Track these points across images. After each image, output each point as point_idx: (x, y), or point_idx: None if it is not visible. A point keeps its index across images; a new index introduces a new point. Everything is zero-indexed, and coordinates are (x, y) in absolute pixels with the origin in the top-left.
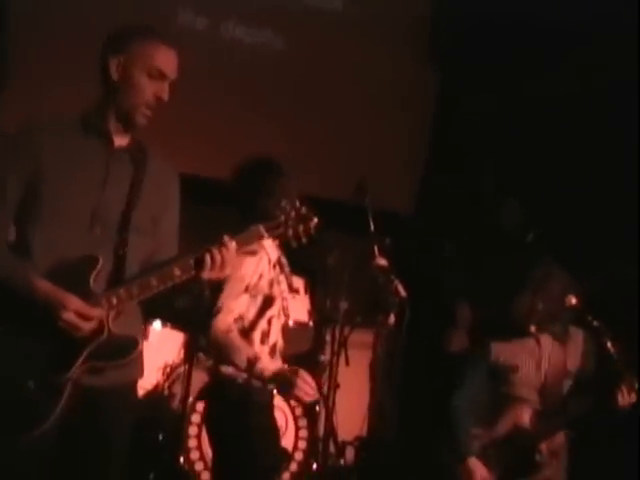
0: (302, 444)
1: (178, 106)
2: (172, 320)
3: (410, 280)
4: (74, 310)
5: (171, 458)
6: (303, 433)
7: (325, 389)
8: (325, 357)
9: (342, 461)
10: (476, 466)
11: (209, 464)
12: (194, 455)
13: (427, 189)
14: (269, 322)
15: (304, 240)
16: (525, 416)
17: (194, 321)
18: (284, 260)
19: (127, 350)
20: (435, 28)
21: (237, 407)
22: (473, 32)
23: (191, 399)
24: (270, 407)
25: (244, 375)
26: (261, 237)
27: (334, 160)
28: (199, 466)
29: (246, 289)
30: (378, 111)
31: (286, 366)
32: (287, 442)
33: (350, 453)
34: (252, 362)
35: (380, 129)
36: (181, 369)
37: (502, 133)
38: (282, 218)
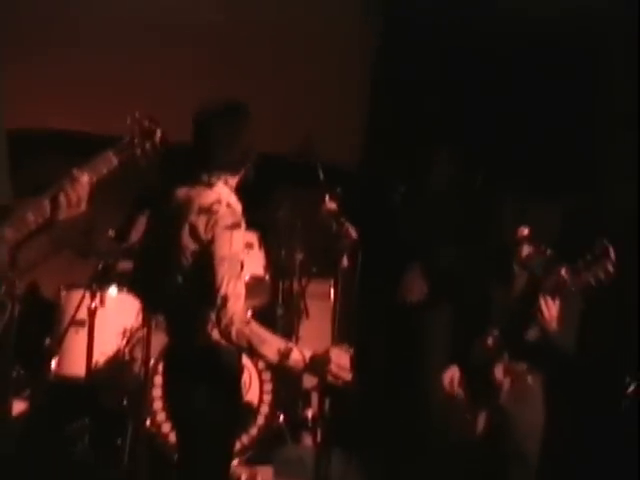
0: (267, 397)
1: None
2: (125, 284)
3: (362, 228)
4: None
5: (137, 422)
6: (267, 386)
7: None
8: (283, 310)
9: (308, 410)
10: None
11: None
12: (160, 417)
13: (373, 139)
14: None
15: (153, 157)
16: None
17: (143, 282)
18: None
19: None
20: None
21: (196, 369)
22: None
23: (152, 361)
24: (233, 366)
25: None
26: (110, 162)
27: (279, 116)
28: (166, 428)
29: (242, 266)
30: (320, 64)
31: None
32: (252, 396)
33: (315, 401)
34: (285, 354)
35: (323, 82)
36: (140, 333)
37: (446, 78)
38: (127, 137)
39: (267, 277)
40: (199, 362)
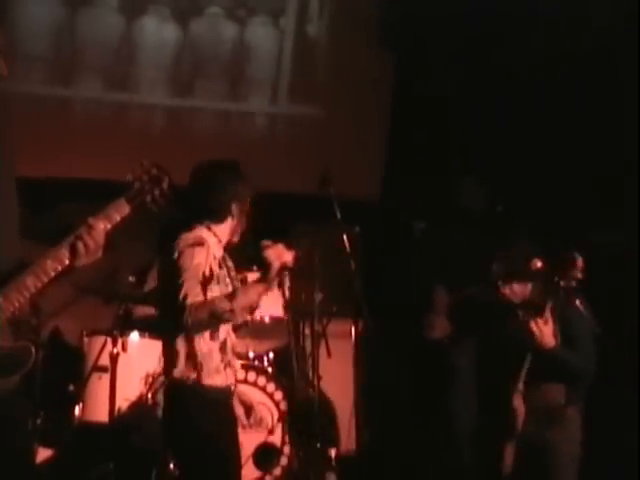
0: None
1: None
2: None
3: (383, 266)
4: None
5: (160, 465)
6: None
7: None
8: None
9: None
10: None
11: None
12: None
13: (392, 175)
14: None
15: (162, 203)
16: None
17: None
18: (230, 262)
19: (24, 360)
20: (387, 11)
21: (189, 408)
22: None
23: None
24: (226, 403)
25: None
26: (123, 209)
27: (295, 154)
28: None
29: (203, 277)
30: (336, 100)
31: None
32: (275, 437)
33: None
34: (233, 297)
35: (340, 119)
36: (162, 377)
37: (464, 110)
38: (137, 185)
39: (286, 317)
40: (185, 403)
